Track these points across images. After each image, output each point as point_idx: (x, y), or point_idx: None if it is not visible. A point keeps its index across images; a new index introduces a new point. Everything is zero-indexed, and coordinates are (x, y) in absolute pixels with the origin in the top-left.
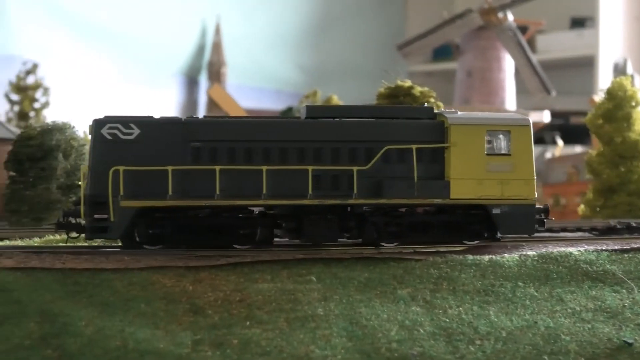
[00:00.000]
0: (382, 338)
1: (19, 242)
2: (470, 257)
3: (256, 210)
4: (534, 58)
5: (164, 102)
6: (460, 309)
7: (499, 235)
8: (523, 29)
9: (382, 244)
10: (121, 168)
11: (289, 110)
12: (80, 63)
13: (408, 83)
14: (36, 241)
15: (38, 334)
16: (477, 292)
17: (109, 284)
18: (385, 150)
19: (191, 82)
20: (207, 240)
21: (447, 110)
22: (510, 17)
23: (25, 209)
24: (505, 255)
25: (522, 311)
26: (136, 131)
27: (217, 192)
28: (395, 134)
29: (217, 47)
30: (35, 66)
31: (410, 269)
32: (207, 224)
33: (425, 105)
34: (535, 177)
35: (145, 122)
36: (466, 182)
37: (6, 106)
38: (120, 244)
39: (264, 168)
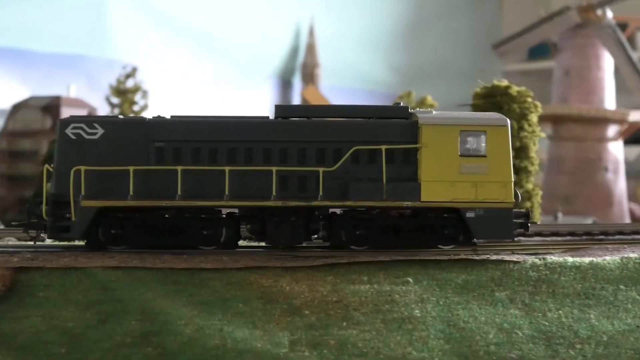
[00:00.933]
0: (480, 341)
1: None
2: (570, 259)
3: (224, 211)
4: (635, 56)
5: (258, 104)
6: (560, 312)
7: (474, 240)
8: (623, 26)
9: (352, 247)
10: (82, 168)
11: None
12: (176, 66)
13: (505, 83)
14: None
15: (139, 332)
16: (577, 295)
17: (207, 283)
18: (354, 151)
19: (285, 84)
20: (170, 241)
21: (421, 110)
22: (609, 14)
23: None
24: (607, 257)
25: (624, 315)
26: (100, 131)
27: (179, 192)
28: (365, 134)
29: (310, 48)
30: (134, 70)
31: (509, 271)
32: (170, 224)
33: (402, 104)
34: (513, 180)
35: (108, 122)
36: (438, 184)
37: (107, 109)
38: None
39: (227, 169)
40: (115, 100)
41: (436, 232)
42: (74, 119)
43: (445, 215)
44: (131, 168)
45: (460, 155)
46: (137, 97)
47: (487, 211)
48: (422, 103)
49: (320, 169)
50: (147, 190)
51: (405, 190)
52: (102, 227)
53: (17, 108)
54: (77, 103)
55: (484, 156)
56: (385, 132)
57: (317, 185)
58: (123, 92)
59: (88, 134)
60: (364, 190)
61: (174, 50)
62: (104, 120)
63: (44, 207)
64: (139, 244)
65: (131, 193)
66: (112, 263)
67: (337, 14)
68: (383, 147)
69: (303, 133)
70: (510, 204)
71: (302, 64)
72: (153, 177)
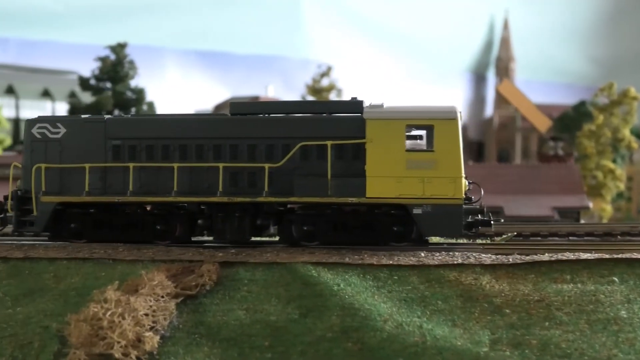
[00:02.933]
0: None
1: None
2: None
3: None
4: None
5: (452, 100)
6: None
7: (425, 237)
8: None
9: (303, 243)
10: (43, 165)
11: (582, 104)
12: (369, 64)
13: None
14: None
15: (339, 327)
16: None
17: (406, 279)
18: (302, 147)
19: (478, 79)
20: (125, 235)
21: (371, 104)
22: None
23: None
24: None
25: None
26: (62, 130)
27: (131, 188)
28: (313, 130)
29: (505, 42)
30: (329, 69)
31: None
32: (125, 219)
33: (356, 99)
34: (463, 175)
35: (70, 121)
36: (384, 180)
37: None
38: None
39: (175, 165)
40: (310, 98)
41: (385, 229)
42: (40, 119)
43: (392, 212)
44: (87, 165)
45: (407, 151)
46: (332, 96)
47: (435, 207)
48: (624, 95)
49: (267, 165)
50: (104, 186)
51: (350, 186)
52: (63, 222)
53: (219, 108)
54: None
55: (432, 151)
56: (333, 128)
57: (264, 181)
58: (318, 91)
59: (52, 133)
60: (309, 186)
61: (366, 49)
62: (66, 120)
63: (9, 202)
64: (96, 238)
65: (87, 189)
66: (313, 259)
67: (532, 5)
68: (329, 143)
69: (253, 130)
70: (459, 200)
71: (496, 58)
72: (110, 174)
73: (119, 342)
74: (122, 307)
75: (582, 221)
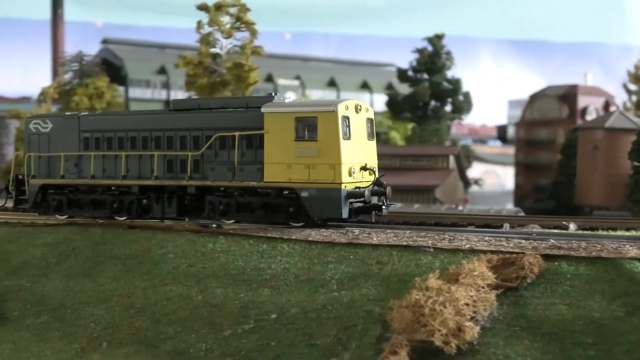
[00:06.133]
0: None
1: None
2: None
3: (134, 189)
4: None
5: None
6: None
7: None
8: None
9: (222, 220)
10: (32, 154)
11: None
12: None
13: None
14: None
15: None
16: None
17: None
18: (218, 138)
19: None
20: (92, 212)
21: (278, 99)
22: None
23: None
24: None
25: None
26: (50, 125)
27: (92, 173)
28: (228, 122)
29: None
30: None
31: None
32: (90, 199)
33: (272, 94)
34: (341, 162)
35: (55, 118)
36: (277, 167)
37: (624, 96)
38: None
39: (123, 154)
40: (633, 87)
41: (282, 210)
42: (35, 117)
43: (286, 194)
44: (62, 154)
45: (295, 140)
46: None
47: (319, 191)
48: None
49: (190, 154)
50: (78, 171)
51: (251, 172)
52: (47, 201)
53: (535, 98)
54: (594, 91)
55: (315, 140)
56: (242, 121)
57: (191, 167)
58: None
59: (43, 127)
60: (218, 172)
61: None
62: (53, 117)
63: (10, 185)
64: (70, 214)
65: (61, 173)
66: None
67: None
68: (236, 134)
69: (184, 122)
70: (338, 184)
71: None
72: (81, 161)
73: (439, 330)
74: (443, 296)
75: None
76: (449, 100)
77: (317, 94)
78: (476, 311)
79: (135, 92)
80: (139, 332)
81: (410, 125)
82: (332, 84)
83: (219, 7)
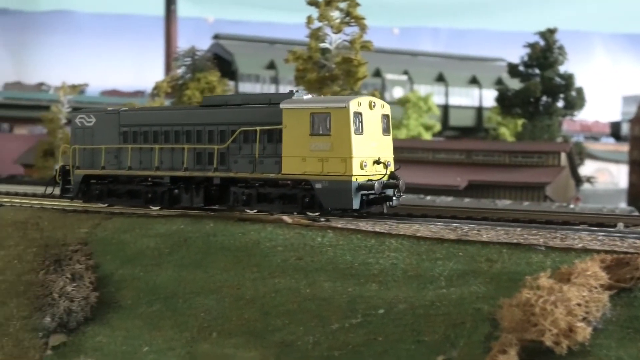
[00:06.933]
0: None
1: None
2: None
3: (166, 180)
4: None
5: None
6: None
7: (327, 208)
8: None
9: (244, 208)
10: (77, 147)
11: None
12: None
13: None
14: None
15: None
16: None
17: None
18: (242, 132)
19: None
20: (128, 202)
21: (298, 96)
22: None
23: None
24: None
25: None
26: (93, 120)
27: (129, 164)
28: (251, 118)
29: None
30: None
31: None
32: (127, 189)
33: (292, 91)
34: (352, 156)
35: (98, 113)
36: (294, 160)
37: None
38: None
39: (157, 147)
40: None
41: (300, 200)
42: (80, 112)
43: (302, 186)
44: (103, 147)
45: (310, 134)
46: None
47: (331, 183)
48: None
49: (216, 147)
50: (118, 163)
51: (271, 164)
52: (90, 190)
53: None
54: None
55: (329, 135)
56: (265, 116)
57: (218, 160)
58: None
59: (87, 122)
60: (241, 164)
61: None
62: (96, 112)
63: (57, 174)
64: (110, 202)
65: (102, 165)
66: None
67: None
68: (258, 129)
69: (213, 118)
70: (348, 177)
71: None
72: (120, 153)
73: (550, 330)
74: (554, 296)
75: None
76: (561, 96)
77: (425, 89)
78: (588, 312)
79: (245, 87)
80: (248, 323)
81: (520, 121)
82: (440, 78)
83: (329, 3)
